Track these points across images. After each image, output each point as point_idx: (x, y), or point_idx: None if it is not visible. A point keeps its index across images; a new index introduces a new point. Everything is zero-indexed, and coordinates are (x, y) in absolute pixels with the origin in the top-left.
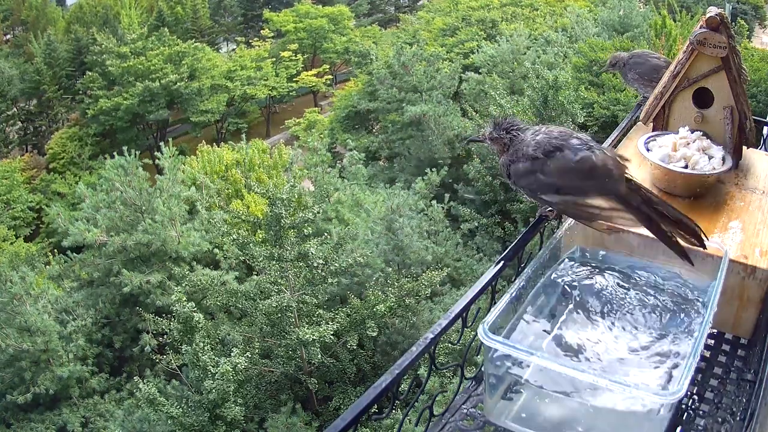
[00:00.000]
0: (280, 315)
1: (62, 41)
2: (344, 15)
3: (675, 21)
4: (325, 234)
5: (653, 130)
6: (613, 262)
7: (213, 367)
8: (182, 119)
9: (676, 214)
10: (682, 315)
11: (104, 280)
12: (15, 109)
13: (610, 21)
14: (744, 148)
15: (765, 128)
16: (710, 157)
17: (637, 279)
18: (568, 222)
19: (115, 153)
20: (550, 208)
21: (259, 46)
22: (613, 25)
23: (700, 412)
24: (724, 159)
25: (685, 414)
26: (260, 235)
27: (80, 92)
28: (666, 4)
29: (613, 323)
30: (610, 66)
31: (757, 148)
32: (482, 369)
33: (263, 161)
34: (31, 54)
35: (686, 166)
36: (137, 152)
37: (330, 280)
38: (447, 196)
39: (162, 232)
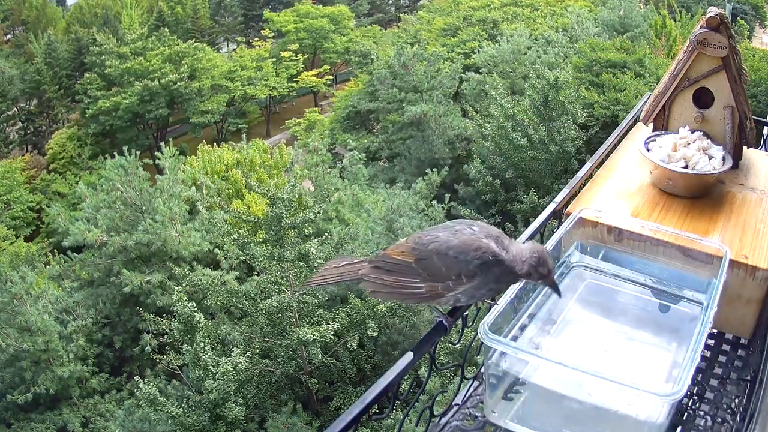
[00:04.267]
0: (280, 315)
1: (62, 41)
2: (344, 15)
3: (675, 21)
4: (326, 234)
5: (653, 130)
6: (613, 260)
7: (213, 367)
8: (182, 119)
9: None
10: (682, 314)
11: (104, 280)
12: (15, 109)
13: (610, 21)
14: (744, 148)
15: (765, 128)
16: (710, 157)
17: (637, 278)
18: (569, 222)
19: (115, 153)
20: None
21: (259, 46)
22: (613, 25)
23: (700, 412)
24: (724, 159)
25: (685, 414)
26: (261, 235)
27: (80, 92)
28: (666, 4)
29: (613, 322)
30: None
31: (757, 148)
32: (482, 369)
33: (264, 161)
34: (32, 54)
35: (686, 166)
36: (137, 152)
37: None
38: (447, 196)
39: (162, 232)
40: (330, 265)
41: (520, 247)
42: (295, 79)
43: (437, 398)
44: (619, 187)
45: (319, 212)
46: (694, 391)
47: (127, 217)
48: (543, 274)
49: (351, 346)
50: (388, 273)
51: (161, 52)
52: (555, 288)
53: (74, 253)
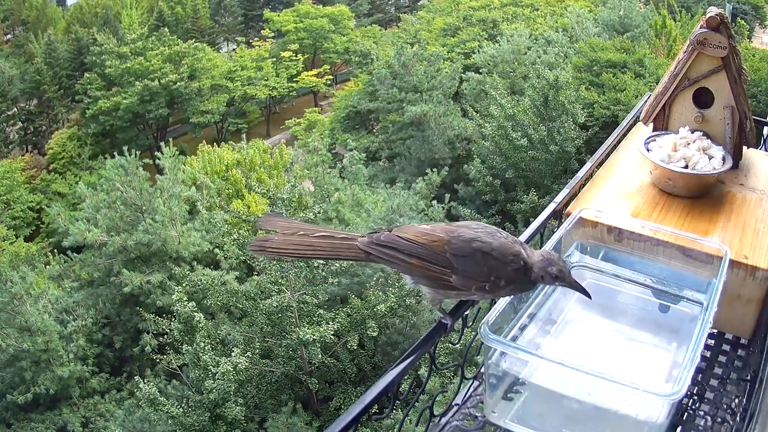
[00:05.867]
0: (280, 315)
1: (62, 41)
2: (344, 15)
3: (675, 21)
4: None
5: (653, 130)
6: (613, 260)
7: (214, 367)
8: (182, 119)
9: None
10: (682, 314)
11: (104, 280)
12: (15, 109)
13: (610, 21)
14: (744, 148)
15: (765, 128)
16: (710, 157)
17: (638, 278)
18: (569, 222)
19: (115, 153)
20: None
21: (259, 46)
22: (613, 25)
23: (700, 412)
24: (724, 159)
25: (685, 414)
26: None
27: (80, 92)
28: (666, 4)
29: (613, 322)
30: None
31: (757, 148)
32: (482, 369)
33: (264, 161)
34: (32, 54)
35: (686, 166)
36: (137, 152)
37: (330, 280)
38: (447, 196)
39: (162, 232)
40: (290, 229)
41: (533, 252)
42: (295, 79)
43: (437, 398)
44: (619, 187)
45: (319, 212)
46: (694, 391)
47: (127, 217)
48: (553, 274)
49: (351, 346)
50: (408, 256)
51: (161, 52)
52: (577, 287)
53: (74, 253)
